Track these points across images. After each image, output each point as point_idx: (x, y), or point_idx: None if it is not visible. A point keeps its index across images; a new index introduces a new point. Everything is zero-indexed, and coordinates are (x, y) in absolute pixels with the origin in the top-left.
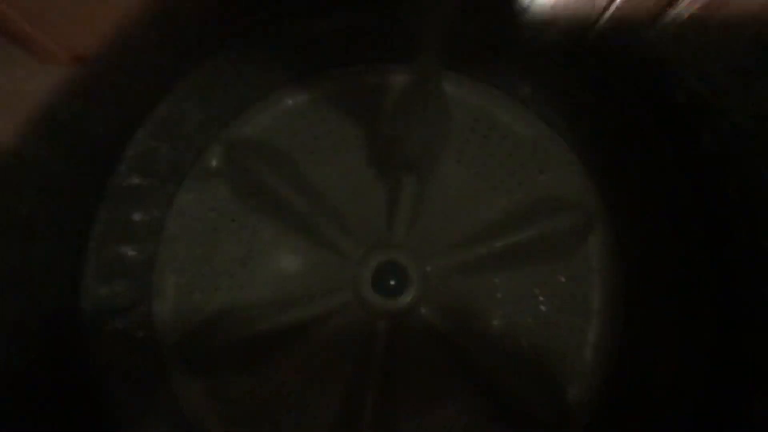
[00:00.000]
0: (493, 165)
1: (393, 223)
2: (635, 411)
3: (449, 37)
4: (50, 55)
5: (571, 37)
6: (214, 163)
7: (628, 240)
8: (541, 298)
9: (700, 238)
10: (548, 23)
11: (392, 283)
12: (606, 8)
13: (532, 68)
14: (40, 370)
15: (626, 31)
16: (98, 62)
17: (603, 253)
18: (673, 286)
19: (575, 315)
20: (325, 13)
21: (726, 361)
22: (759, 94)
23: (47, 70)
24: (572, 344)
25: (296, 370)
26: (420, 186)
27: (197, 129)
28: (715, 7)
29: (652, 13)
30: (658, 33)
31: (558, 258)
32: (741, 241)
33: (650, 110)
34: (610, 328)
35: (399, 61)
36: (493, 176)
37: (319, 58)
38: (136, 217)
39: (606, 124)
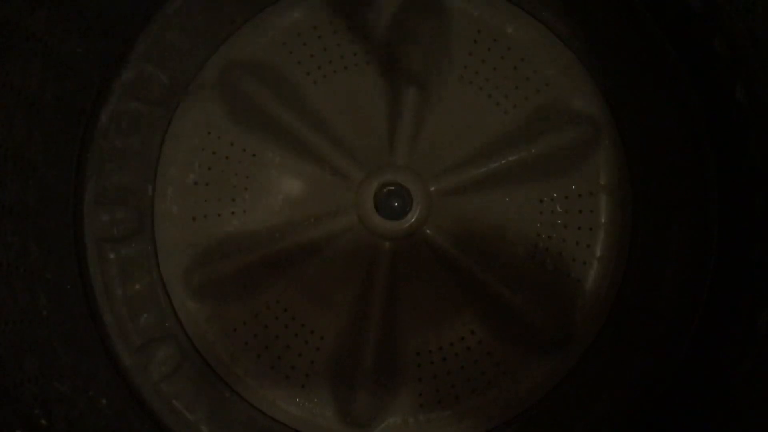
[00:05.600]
0: (497, 79)
1: (395, 142)
2: (641, 327)
3: None
4: None
5: None
6: (209, 85)
7: (636, 152)
8: (547, 214)
9: (709, 148)
10: None
11: (395, 204)
12: None
13: None
14: (43, 300)
15: None
16: None
17: (611, 165)
18: (680, 197)
19: (582, 229)
20: None
21: (732, 275)
22: None
23: None
24: (579, 259)
25: (301, 293)
26: (421, 103)
27: (190, 50)
28: None
29: None
30: None
31: (565, 172)
32: (750, 149)
33: (661, 18)
34: (617, 241)
35: None
36: (497, 90)
37: None
38: (133, 142)
39: (615, 35)
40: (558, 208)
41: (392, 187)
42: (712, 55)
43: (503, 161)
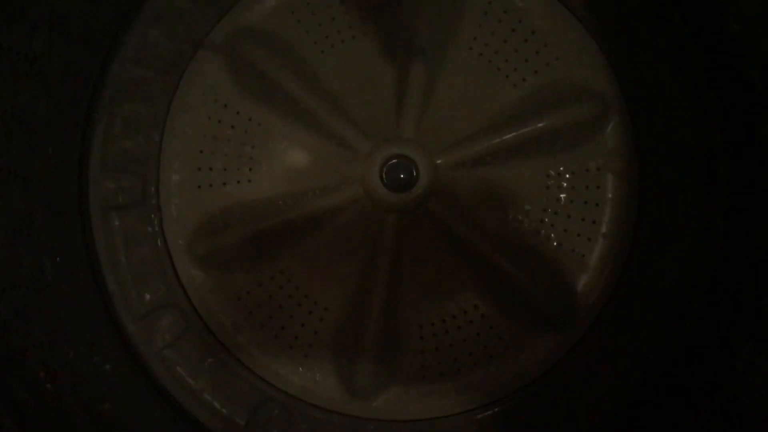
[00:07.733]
0: (507, 52)
1: (402, 115)
2: (644, 305)
3: None
4: None
5: None
6: (215, 53)
7: (644, 130)
8: (553, 190)
9: (718, 128)
10: None
11: (401, 176)
12: None
13: None
14: (48, 266)
15: None
16: None
17: (618, 142)
18: (688, 177)
19: (588, 205)
20: None
21: (737, 255)
22: None
23: None
24: (584, 235)
25: (305, 264)
26: (429, 75)
27: (197, 17)
28: None
29: None
30: None
31: (572, 147)
32: (761, 131)
33: None
34: (623, 218)
35: None
36: (507, 64)
37: None
38: (139, 109)
39: (626, 10)
40: (564, 183)
41: (398, 160)
42: (725, 34)
43: (510, 135)
